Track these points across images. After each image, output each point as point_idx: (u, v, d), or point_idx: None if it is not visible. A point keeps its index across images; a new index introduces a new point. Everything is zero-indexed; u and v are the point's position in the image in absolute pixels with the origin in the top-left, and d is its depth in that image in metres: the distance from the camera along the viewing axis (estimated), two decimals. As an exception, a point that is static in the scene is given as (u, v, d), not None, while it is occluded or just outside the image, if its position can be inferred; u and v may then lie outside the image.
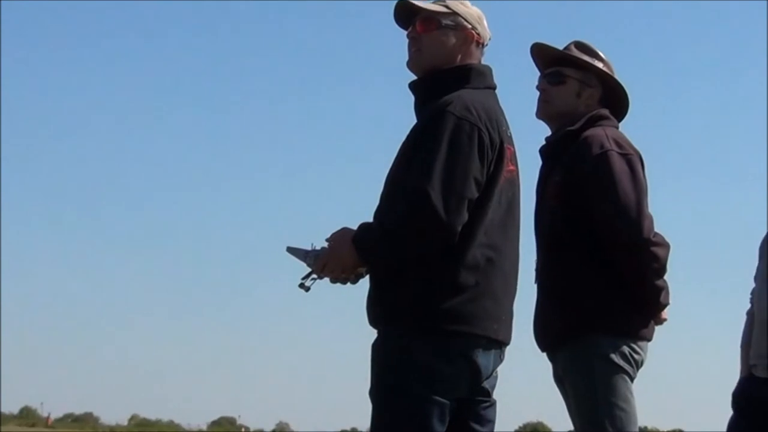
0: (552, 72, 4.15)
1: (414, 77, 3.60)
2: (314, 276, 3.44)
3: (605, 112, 4.12)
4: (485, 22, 3.64)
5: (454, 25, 3.57)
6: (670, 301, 3.98)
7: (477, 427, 3.45)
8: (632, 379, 3.91)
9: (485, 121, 3.40)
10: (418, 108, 3.56)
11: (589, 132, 4.00)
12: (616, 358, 3.84)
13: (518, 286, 3.55)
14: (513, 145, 3.55)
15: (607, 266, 3.86)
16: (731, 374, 4.47)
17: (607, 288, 3.87)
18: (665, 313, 4.02)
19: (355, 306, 3.53)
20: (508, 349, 3.52)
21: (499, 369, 3.50)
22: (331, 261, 3.39)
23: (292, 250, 3.49)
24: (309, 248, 3.45)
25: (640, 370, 3.95)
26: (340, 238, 3.39)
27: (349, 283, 3.44)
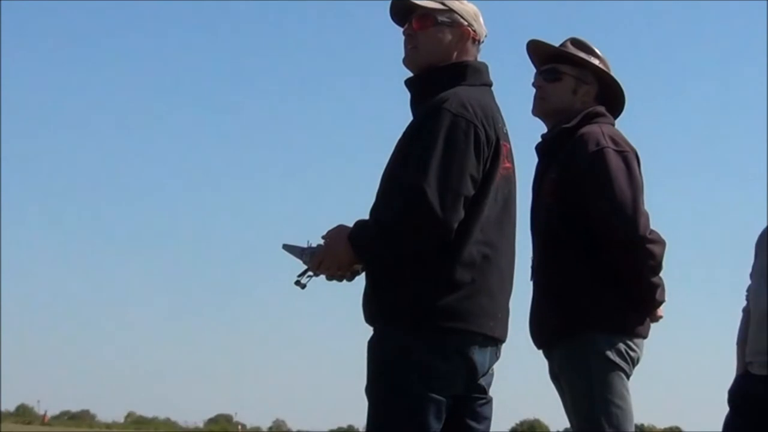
0: (548, 69, 4.15)
1: (410, 74, 3.60)
2: (310, 273, 3.43)
3: (601, 109, 4.12)
4: (481, 19, 3.64)
5: (450, 22, 3.57)
6: (666, 299, 3.98)
7: (473, 424, 3.45)
8: (628, 377, 3.91)
9: (481, 118, 3.40)
10: (415, 105, 3.56)
11: (585, 129, 4.00)
12: (612, 355, 3.84)
13: (514, 284, 3.55)
14: (509, 142, 3.55)
15: (603, 263, 3.86)
16: (727, 372, 4.48)
17: (603, 285, 3.87)
18: (661, 310, 4.03)
19: (351, 303, 3.53)
20: (504, 347, 3.52)
21: (496, 366, 3.51)
22: (327, 258, 3.38)
23: (288, 248, 3.49)
24: (305, 245, 3.45)
25: (637, 368, 3.96)
26: (336, 235, 3.39)
27: (345, 281, 3.43)
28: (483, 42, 3.65)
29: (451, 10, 3.57)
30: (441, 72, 3.53)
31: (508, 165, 3.51)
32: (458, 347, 3.34)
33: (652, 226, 3.88)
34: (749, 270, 4.45)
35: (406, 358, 3.31)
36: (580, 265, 3.89)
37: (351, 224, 3.39)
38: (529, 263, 4.06)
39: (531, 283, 4.06)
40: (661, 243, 3.90)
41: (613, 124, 4.14)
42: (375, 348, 3.39)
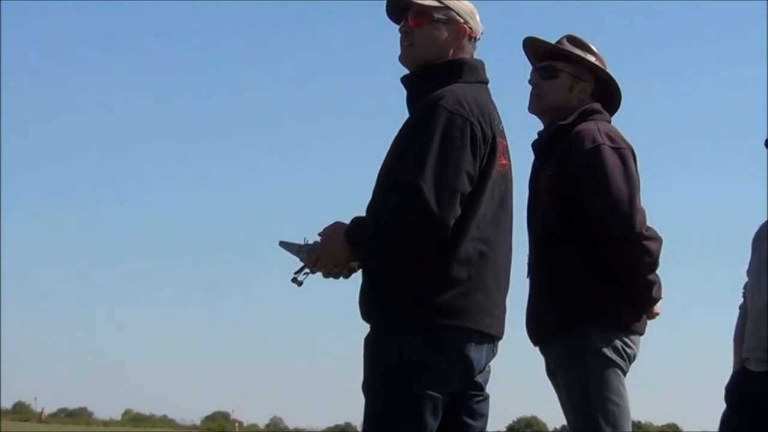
0: (544, 66, 4.15)
1: (406, 72, 3.60)
2: (307, 270, 3.44)
3: (597, 106, 4.12)
4: (477, 17, 3.64)
5: (446, 19, 3.57)
6: (662, 296, 3.99)
7: (470, 421, 3.45)
8: (625, 374, 3.91)
9: (477, 116, 3.40)
10: (411, 102, 3.56)
11: (582, 126, 4.00)
12: (608, 352, 3.85)
13: (511, 281, 3.55)
14: (505, 139, 3.55)
15: (599, 260, 3.86)
16: (724, 368, 4.48)
17: (599, 282, 3.87)
18: (657, 307, 4.03)
19: (347, 301, 3.53)
20: (501, 343, 3.52)
21: (492, 363, 3.51)
22: (324, 255, 3.39)
23: (284, 245, 3.49)
24: (302, 243, 3.45)
25: (633, 365, 3.96)
26: (332, 232, 3.39)
27: (341, 278, 3.44)
28: (479, 39, 3.65)
29: (447, 8, 3.57)
30: (437, 69, 3.53)
31: (504, 162, 3.51)
32: (455, 344, 3.34)
33: (649, 223, 3.88)
34: (746, 267, 4.46)
35: (403, 355, 3.31)
36: (577, 262, 3.89)
37: (348, 221, 3.39)
38: (526, 260, 4.06)
39: (527, 280, 4.06)
40: (658, 240, 3.90)
41: (610, 121, 4.14)
42: (372, 345, 3.39)
